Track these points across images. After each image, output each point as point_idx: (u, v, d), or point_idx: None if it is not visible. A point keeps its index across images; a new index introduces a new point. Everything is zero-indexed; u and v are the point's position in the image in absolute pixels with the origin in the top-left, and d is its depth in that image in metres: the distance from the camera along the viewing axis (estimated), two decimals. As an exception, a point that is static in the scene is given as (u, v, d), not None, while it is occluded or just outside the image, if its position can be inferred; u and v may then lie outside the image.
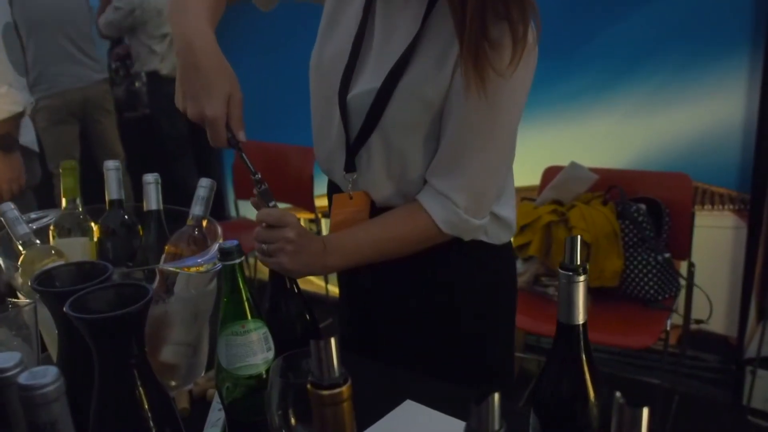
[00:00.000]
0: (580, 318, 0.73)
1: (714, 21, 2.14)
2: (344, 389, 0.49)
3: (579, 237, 0.73)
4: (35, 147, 2.75)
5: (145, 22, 3.77)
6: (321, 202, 2.93)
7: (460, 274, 1.18)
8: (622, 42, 2.25)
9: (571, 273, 0.71)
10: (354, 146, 1.12)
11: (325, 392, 0.48)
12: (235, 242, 0.82)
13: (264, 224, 0.99)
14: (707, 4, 2.13)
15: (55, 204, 3.21)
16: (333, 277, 3.11)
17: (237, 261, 0.82)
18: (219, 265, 0.92)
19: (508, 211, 1.18)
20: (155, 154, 3.88)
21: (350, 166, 1.13)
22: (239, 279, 0.84)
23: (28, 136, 2.66)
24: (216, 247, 0.97)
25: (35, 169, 2.72)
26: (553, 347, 0.76)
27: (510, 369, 1.32)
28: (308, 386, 0.49)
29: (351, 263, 1.09)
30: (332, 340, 0.48)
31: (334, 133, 1.14)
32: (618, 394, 0.43)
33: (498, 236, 1.18)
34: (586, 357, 0.74)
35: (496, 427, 0.44)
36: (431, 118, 1.05)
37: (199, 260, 0.93)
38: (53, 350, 0.99)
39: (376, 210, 1.15)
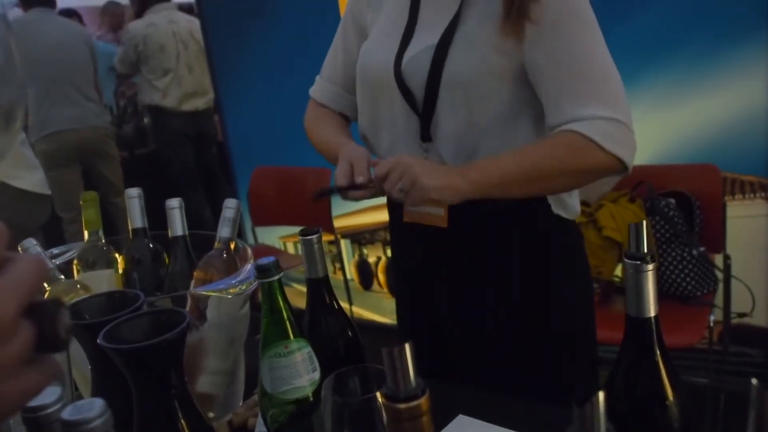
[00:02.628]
0: (652, 310, 0.67)
1: (729, 8, 2.09)
2: (423, 401, 0.43)
3: (644, 222, 0.68)
4: (42, 190, 2.74)
5: (147, 57, 3.78)
6: (339, 223, 2.89)
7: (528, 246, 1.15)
8: (639, 36, 2.20)
9: (638, 262, 0.66)
10: (426, 109, 1.10)
11: (403, 405, 0.43)
12: (273, 258, 0.78)
13: (382, 178, 1.02)
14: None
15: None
16: (357, 297, 3.07)
17: (276, 278, 0.77)
18: (255, 285, 0.87)
19: None
20: (166, 188, 3.85)
21: (426, 135, 1.12)
22: (279, 297, 0.79)
23: (32, 179, 2.65)
24: (249, 266, 0.93)
25: (42, 211, 2.71)
26: (623, 344, 0.70)
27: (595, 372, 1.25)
28: (382, 400, 0.44)
29: (493, 178, 1.03)
30: (407, 347, 0.43)
31: (397, 113, 1.15)
32: (755, 381, 0.38)
33: (574, 207, 1.16)
34: (660, 353, 0.68)
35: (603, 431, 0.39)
36: (495, 61, 1.05)
37: (232, 281, 0.89)
38: (85, 389, 0.95)
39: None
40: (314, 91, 1.34)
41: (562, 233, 1.17)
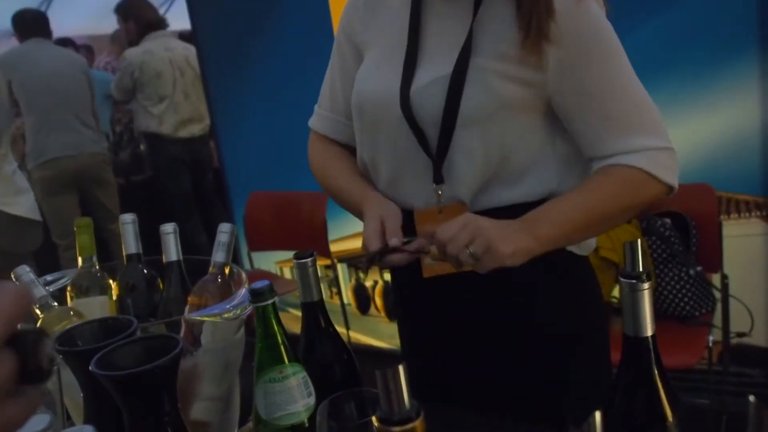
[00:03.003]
0: (649, 330, 0.67)
1: (719, 28, 2.11)
2: (417, 424, 0.43)
3: (638, 241, 0.68)
4: (34, 216, 2.74)
5: (143, 84, 3.80)
6: (335, 247, 2.89)
7: (541, 285, 1.08)
8: (630, 57, 2.22)
9: (634, 281, 0.65)
10: (440, 149, 1.02)
11: (397, 429, 0.42)
12: (267, 282, 0.77)
13: (446, 241, 0.93)
14: (711, 12, 2.10)
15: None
16: (354, 321, 3.06)
17: (270, 302, 0.77)
18: (249, 310, 0.87)
19: None
20: (162, 214, 3.85)
21: (439, 177, 1.03)
22: (273, 321, 0.78)
23: (25, 205, 2.66)
24: (243, 291, 0.92)
25: (34, 237, 2.71)
26: (621, 364, 0.69)
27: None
28: (376, 423, 0.43)
29: (562, 229, 0.98)
30: (400, 368, 0.42)
31: (401, 149, 1.06)
32: (752, 398, 0.37)
33: (588, 243, 1.11)
34: (659, 372, 0.68)
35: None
36: (515, 94, 0.99)
37: (227, 306, 0.88)
38: (77, 417, 0.93)
39: None
40: (314, 123, 1.24)
41: (575, 270, 1.12)
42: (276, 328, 0.78)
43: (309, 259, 0.87)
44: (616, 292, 2.13)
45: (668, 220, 2.11)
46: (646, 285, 0.66)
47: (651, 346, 0.67)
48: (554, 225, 0.98)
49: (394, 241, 0.96)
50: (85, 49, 6.22)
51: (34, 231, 2.54)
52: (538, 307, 1.08)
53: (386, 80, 1.06)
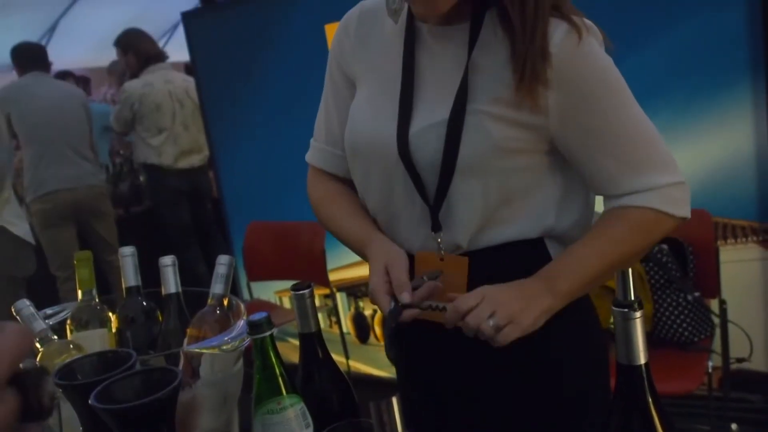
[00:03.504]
0: (642, 357, 0.68)
1: (711, 56, 2.14)
2: (411, 455, 0.43)
3: (629, 270, 0.69)
4: (30, 239, 2.76)
5: (143, 116, 3.83)
6: (334, 276, 2.89)
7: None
8: (623, 85, 2.25)
9: (626, 309, 0.66)
10: (438, 196, 1.01)
11: (392, 459, 0.43)
12: (265, 314, 0.78)
13: (465, 312, 0.91)
14: (703, 41, 2.14)
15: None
16: (354, 350, 3.05)
17: (268, 333, 0.78)
18: (247, 341, 0.87)
19: None
20: (161, 245, 3.86)
21: (437, 225, 1.02)
22: (271, 353, 0.79)
23: (24, 228, 2.70)
24: (241, 323, 0.93)
25: (29, 261, 2.73)
26: (615, 392, 0.70)
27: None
28: (371, 455, 0.44)
29: (580, 282, 0.97)
30: (394, 400, 0.43)
31: (397, 193, 1.05)
32: (734, 425, 0.38)
33: None
34: (653, 399, 0.68)
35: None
36: (515, 138, 0.98)
37: (225, 338, 0.89)
38: (77, 451, 0.93)
39: (474, 267, 1.03)
40: (311, 157, 1.21)
41: (576, 311, 1.06)
42: (274, 359, 0.79)
43: (306, 291, 0.88)
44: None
45: (665, 246, 2.12)
46: (638, 313, 0.66)
47: (644, 374, 0.68)
48: (573, 279, 0.96)
49: (405, 296, 0.94)
50: (83, 81, 6.30)
51: (30, 255, 2.59)
52: (538, 345, 1.04)
53: (382, 122, 1.04)
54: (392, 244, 1.05)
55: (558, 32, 0.93)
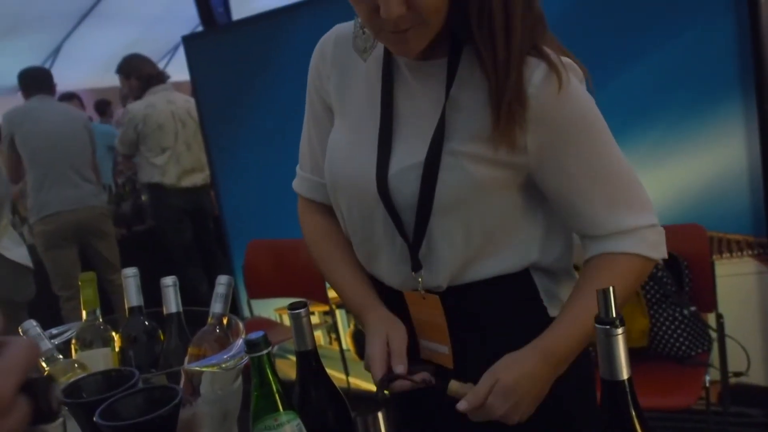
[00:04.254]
0: (625, 373, 0.70)
1: (702, 73, 2.18)
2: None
3: (611, 288, 0.71)
4: (29, 263, 2.80)
5: (146, 136, 3.88)
6: (334, 293, 2.90)
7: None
8: (617, 102, 2.28)
9: (608, 326, 0.69)
10: (416, 236, 1.01)
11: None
12: (261, 333, 0.81)
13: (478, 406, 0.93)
14: (693, 57, 2.17)
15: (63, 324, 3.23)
16: (354, 367, 3.07)
17: (265, 352, 0.80)
18: (246, 359, 0.90)
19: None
20: (164, 264, 3.90)
21: (417, 264, 1.02)
22: (268, 371, 0.82)
23: (18, 251, 2.73)
24: (240, 341, 0.95)
25: (29, 285, 2.78)
26: (600, 407, 0.73)
27: None
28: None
29: (580, 342, 0.98)
30: (380, 415, 0.46)
31: (377, 231, 1.05)
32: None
33: None
34: (636, 414, 0.71)
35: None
36: (491, 177, 0.97)
37: (224, 356, 0.91)
38: (82, 468, 0.96)
39: (448, 305, 1.04)
40: (299, 187, 1.21)
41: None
42: (271, 377, 0.82)
43: (302, 310, 0.91)
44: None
45: (660, 261, 2.14)
46: (620, 330, 0.69)
47: (627, 389, 0.71)
48: (571, 345, 0.98)
49: (400, 368, 0.96)
50: (104, 104, 6.38)
51: (30, 279, 2.64)
52: None
53: (361, 162, 1.03)
54: (394, 318, 1.05)
55: (537, 74, 0.91)
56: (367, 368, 1.01)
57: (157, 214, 4.13)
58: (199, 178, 3.99)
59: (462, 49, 0.96)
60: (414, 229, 1.01)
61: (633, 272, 1.00)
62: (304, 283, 2.88)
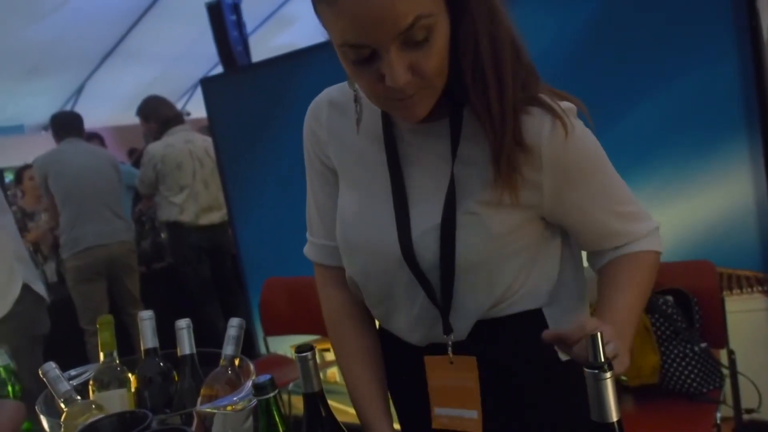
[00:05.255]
0: (614, 415, 0.73)
1: (709, 112, 2.21)
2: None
3: (599, 333, 0.74)
4: (44, 294, 2.88)
5: (165, 175, 3.98)
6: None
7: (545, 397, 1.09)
8: (625, 142, 2.32)
9: (597, 371, 0.72)
10: (444, 301, 1.02)
11: None
12: (268, 377, 0.85)
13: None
14: (699, 97, 2.21)
15: (88, 361, 3.28)
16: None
17: (271, 395, 0.84)
18: (254, 402, 0.94)
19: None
20: (182, 302, 3.97)
21: (448, 327, 1.03)
22: (275, 413, 0.86)
23: (43, 288, 2.82)
24: (249, 383, 0.99)
25: (44, 319, 2.84)
26: (591, 449, 0.75)
27: None
28: None
29: (634, 326, 1.02)
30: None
31: (400, 294, 1.06)
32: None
33: None
34: (625, 455, 0.73)
35: None
36: (508, 229, 1.00)
37: (234, 398, 0.95)
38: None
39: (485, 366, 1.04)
40: (312, 254, 1.20)
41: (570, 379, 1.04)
42: (278, 418, 0.85)
43: (309, 353, 0.94)
44: (623, 370, 2.16)
45: (670, 298, 2.15)
46: (608, 374, 0.72)
47: (617, 431, 0.73)
48: (631, 325, 1.02)
49: None
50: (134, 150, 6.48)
51: (46, 314, 2.79)
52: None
53: (379, 226, 1.04)
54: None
55: (545, 127, 0.95)
56: None
57: (175, 251, 4.20)
58: (217, 216, 4.06)
59: (462, 107, 0.99)
60: (441, 291, 1.02)
61: (653, 266, 1.09)
62: (320, 321, 2.87)
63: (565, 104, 0.98)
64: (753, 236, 2.21)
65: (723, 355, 2.17)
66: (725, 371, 2.14)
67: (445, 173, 1.00)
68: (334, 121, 1.11)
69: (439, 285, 1.01)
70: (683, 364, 2.09)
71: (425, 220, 1.01)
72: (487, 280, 1.02)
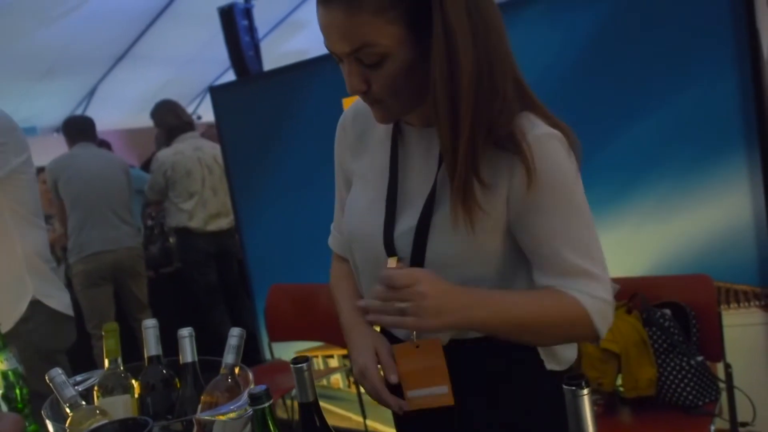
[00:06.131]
0: (590, 430, 0.76)
1: (707, 128, 2.23)
2: None
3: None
4: (70, 312, 2.87)
5: (174, 182, 4.03)
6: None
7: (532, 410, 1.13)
8: (624, 157, 2.35)
9: (574, 387, 0.76)
10: None
11: None
12: (264, 387, 0.89)
13: (387, 286, 0.99)
14: (698, 113, 2.23)
15: (95, 365, 3.32)
16: (371, 411, 3.11)
17: (266, 405, 0.88)
18: (250, 411, 0.98)
19: None
20: (189, 306, 4.02)
21: None
22: (270, 423, 0.89)
23: (64, 301, 2.80)
24: (246, 393, 1.03)
25: (70, 333, 2.84)
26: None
27: None
28: None
29: (495, 321, 1.03)
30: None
31: None
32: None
33: (567, 356, 1.16)
34: (601, 469, 0.77)
35: None
36: (480, 239, 1.04)
37: (231, 407, 0.99)
38: None
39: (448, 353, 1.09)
40: (331, 243, 1.35)
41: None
42: (272, 428, 0.89)
43: (304, 364, 0.98)
44: (620, 380, 2.19)
45: (668, 311, 2.18)
46: (585, 391, 0.76)
47: (594, 445, 0.77)
48: (492, 314, 1.02)
49: (393, 378, 1.08)
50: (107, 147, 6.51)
51: (71, 328, 2.65)
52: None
53: (373, 221, 1.13)
54: (379, 334, 1.15)
55: (512, 170, 1.00)
56: (357, 381, 1.11)
57: (184, 256, 4.26)
58: (225, 223, 4.12)
59: None
60: None
61: (574, 318, 1.04)
62: (324, 327, 2.95)
63: (553, 131, 1.01)
64: (750, 251, 2.23)
65: (719, 369, 2.19)
66: (721, 385, 2.16)
67: (432, 177, 1.08)
68: (358, 126, 1.22)
69: None
70: (680, 377, 2.12)
71: (407, 221, 1.09)
72: (460, 282, 1.04)
